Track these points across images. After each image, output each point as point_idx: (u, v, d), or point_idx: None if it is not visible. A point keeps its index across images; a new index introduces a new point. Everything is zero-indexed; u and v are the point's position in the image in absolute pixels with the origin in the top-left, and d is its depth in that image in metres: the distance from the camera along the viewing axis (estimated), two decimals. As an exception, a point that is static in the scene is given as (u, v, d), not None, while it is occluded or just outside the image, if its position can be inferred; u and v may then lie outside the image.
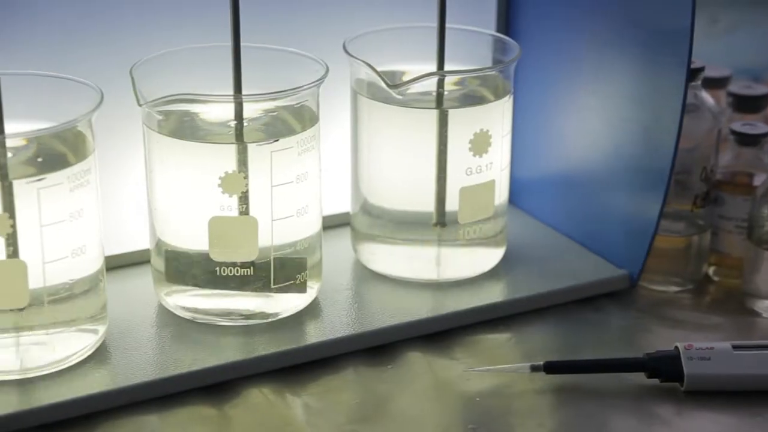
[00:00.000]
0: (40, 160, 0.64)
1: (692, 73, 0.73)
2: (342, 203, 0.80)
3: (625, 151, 0.76)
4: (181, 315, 0.71)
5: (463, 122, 0.72)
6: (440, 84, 0.73)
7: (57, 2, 0.70)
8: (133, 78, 0.67)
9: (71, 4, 0.71)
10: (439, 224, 0.74)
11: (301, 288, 0.71)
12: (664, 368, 0.67)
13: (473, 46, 0.76)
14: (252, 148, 0.68)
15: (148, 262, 0.73)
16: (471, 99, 0.74)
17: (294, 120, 0.70)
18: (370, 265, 0.77)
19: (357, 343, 0.70)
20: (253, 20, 0.70)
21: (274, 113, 0.70)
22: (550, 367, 0.68)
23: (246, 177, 0.67)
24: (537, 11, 0.80)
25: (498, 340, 0.73)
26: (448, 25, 0.72)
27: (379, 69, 0.71)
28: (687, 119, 0.72)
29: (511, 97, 0.75)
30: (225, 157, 0.68)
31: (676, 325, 0.75)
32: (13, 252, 0.63)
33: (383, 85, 0.71)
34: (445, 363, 0.70)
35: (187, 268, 0.70)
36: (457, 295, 0.74)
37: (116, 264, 0.75)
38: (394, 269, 0.76)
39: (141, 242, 0.75)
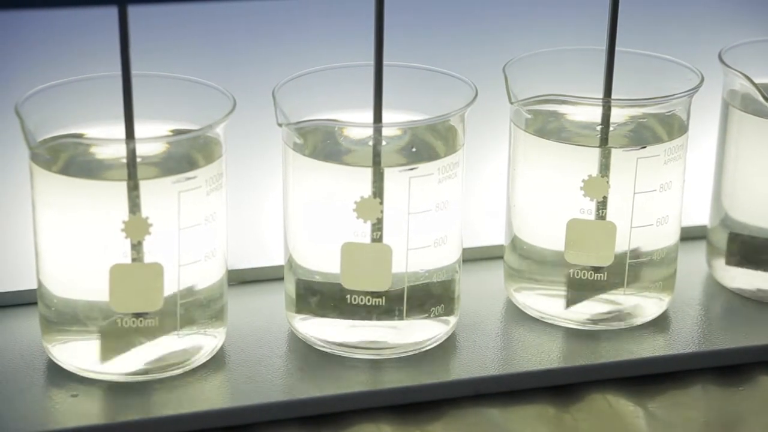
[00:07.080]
0: (413, 150, 0.66)
1: None
2: (699, 216, 0.78)
3: None
4: (528, 313, 0.71)
5: (841, 142, 0.69)
6: (820, 101, 0.70)
7: (439, 2, 0.72)
8: (506, 76, 0.68)
9: (454, 4, 0.72)
10: (804, 246, 0.71)
11: (653, 297, 0.70)
12: None
13: None
14: (617, 153, 0.67)
15: (500, 257, 0.74)
16: None
17: (662, 128, 0.69)
18: (724, 281, 0.74)
19: (708, 361, 0.69)
20: (629, 24, 0.69)
21: (643, 120, 0.69)
22: None
23: (608, 182, 0.67)
24: None
25: None
26: (833, 39, 0.69)
27: (756, 81, 0.69)
28: None
29: None
30: (588, 160, 0.67)
31: None
32: (379, 237, 0.65)
33: (759, 98, 0.69)
34: (800, 392, 0.67)
35: (539, 267, 0.70)
36: (819, 322, 0.71)
37: (470, 257, 0.76)
38: (751, 288, 0.73)
39: (495, 237, 0.76)
